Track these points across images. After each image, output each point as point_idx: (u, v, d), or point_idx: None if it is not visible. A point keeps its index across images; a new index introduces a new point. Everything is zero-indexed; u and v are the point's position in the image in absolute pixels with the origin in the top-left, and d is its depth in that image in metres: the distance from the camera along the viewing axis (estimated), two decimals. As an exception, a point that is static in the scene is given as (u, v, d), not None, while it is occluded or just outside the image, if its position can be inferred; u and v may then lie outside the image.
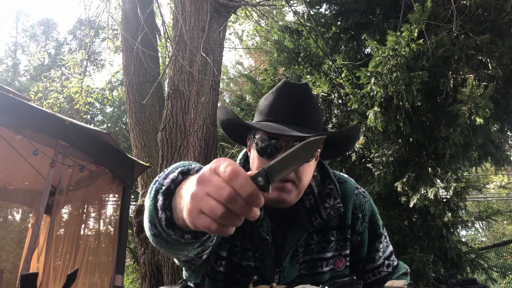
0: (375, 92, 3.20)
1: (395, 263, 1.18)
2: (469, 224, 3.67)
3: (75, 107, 8.66)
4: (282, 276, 1.05)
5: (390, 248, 1.19)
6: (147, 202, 0.77)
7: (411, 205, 3.18)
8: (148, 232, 0.80)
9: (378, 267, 1.15)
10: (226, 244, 1.07)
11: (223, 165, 0.53)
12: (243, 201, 0.51)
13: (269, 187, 0.54)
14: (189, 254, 0.83)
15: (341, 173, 1.20)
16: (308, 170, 1.02)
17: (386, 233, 1.20)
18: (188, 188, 0.58)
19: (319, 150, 1.06)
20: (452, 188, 3.04)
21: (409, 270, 1.20)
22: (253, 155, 1.04)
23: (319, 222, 1.06)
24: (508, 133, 3.81)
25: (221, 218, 0.51)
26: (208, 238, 0.78)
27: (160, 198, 0.72)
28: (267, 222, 1.06)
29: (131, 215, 4.85)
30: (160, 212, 0.71)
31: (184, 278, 1.19)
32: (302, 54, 4.09)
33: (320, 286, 0.89)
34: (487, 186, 13.41)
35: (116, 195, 4.48)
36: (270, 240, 1.05)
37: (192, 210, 0.54)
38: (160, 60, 7.40)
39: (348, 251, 1.11)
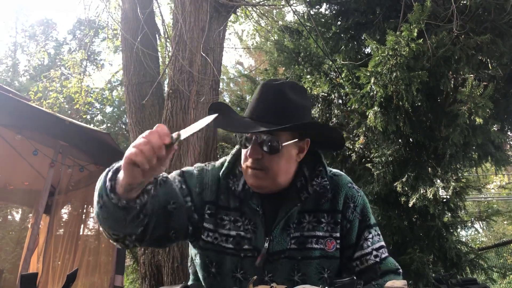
0: (375, 92, 3.20)
1: (384, 255, 1.21)
2: (469, 224, 3.67)
3: (75, 107, 8.66)
4: (271, 244, 1.14)
5: (382, 243, 1.23)
6: (99, 180, 1.00)
7: (410, 205, 3.18)
8: (96, 207, 1.00)
9: (366, 255, 1.19)
10: (211, 218, 1.19)
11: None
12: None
13: (176, 140, 0.86)
14: (127, 230, 1.03)
15: (339, 171, 1.30)
16: (277, 161, 1.13)
17: (379, 232, 1.25)
18: None
19: (307, 145, 1.18)
20: (451, 188, 3.03)
21: (400, 271, 1.21)
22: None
23: (306, 196, 1.18)
24: (508, 133, 3.81)
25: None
26: (140, 211, 1.00)
27: (109, 173, 0.96)
28: (257, 197, 1.18)
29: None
30: (107, 183, 0.95)
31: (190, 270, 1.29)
32: (302, 54, 4.08)
33: (320, 286, 0.89)
34: (487, 186, 13.41)
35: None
36: (261, 212, 1.16)
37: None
38: (160, 60, 7.38)
39: (338, 234, 1.19)
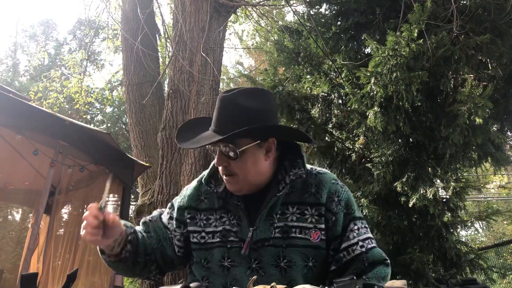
0: (375, 92, 3.20)
1: (370, 246, 1.23)
2: (469, 224, 3.67)
3: (75, 107, 8.66)
4: (255, 233, 1.21)
5: (369, 235, 1.26)
6: None
7: (410, 205, 3.17)
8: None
9: (352, 245, 1.22)
10: (193, 221, 1.31)
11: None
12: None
13: (104, 208, 1.14)
14: (141, 273, 1.31)
15: (324, 169, 1.36)
16: (242, 165, 1.20)
17: (366, 225, 1.29)
18: None
19: (273, 144, 1.24)
20: (451, 188, 3.03)
21: (388, 262, 1.23)
22: None
23: (283, 186, 1.24)
24: (508, 133, 3.80)
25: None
26: (135, 257, 1.25)
27: None
28: (236, 195, 1.26)
29: (131, 215, 4.85)
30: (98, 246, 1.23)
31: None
32: (302, 54, 4.08)
33: (320, 286, 0.89)
34: (487, 186, 13.41)
35: (116, 195, 4.47)
36: (242, 206, 1.24)
37: None
38: (160, 60, 7.39)
39: (323, 226, 1.23)
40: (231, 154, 1.18)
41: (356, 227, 1.24)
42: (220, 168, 1.23)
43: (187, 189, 1.38)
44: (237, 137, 1.16)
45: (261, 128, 1.19)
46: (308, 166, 1.33)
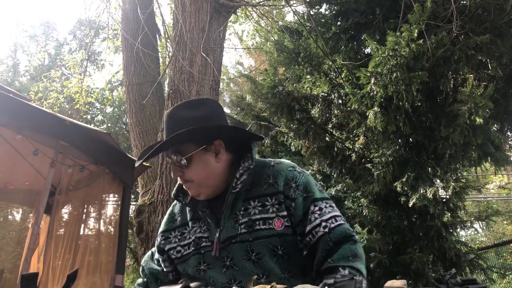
0: (375, 92, 3.20)
1: (333, 225, 1.21)
2: (468, 224, 3.68)
3: (75, 107, 8.66)
4: (222, 233, 1.25)
5: (334, 214, 1.24)
6: None
7: (410, 205, 3.18)
8: None
9: (315, 227, 1.21)
10: (166, 240, 1.38)
11: None
12: None
13: None
14: None
15: (281, 159, 1.37)
16: (194, 171, 1.25)
17: (332, 204, 1.27)
18: None
19: (221, 145, 1.27)
20: (451, 188, 3.04)
21: (355, 238, 1.21)
22: None
23: (236, 182, 1.26)
24: (508, 133, 3.81)
25: None
26: None
27: None
28: (201, 202, 1.31)
29: (131, 215, 4.85)
30: None
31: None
32: (302, 54, 4.08)
33: (320, 286, 0.89)
34: (487, 186, 13.41)
35: (116, 195, 4.48)
36: (208, 211, 1.29)
37: None
38: (160, 60, 7.40)
39: (285, 213, 1.23)
40: (182, 162, 1.24)
41: (317, 208, 1.23)
42: (178, 178, 1.29)
43: (164, 217, 1.46)
44: (177, 144, 1.23)
45: (191, 132, 1.21)
46: (268, 160, 1.36)
